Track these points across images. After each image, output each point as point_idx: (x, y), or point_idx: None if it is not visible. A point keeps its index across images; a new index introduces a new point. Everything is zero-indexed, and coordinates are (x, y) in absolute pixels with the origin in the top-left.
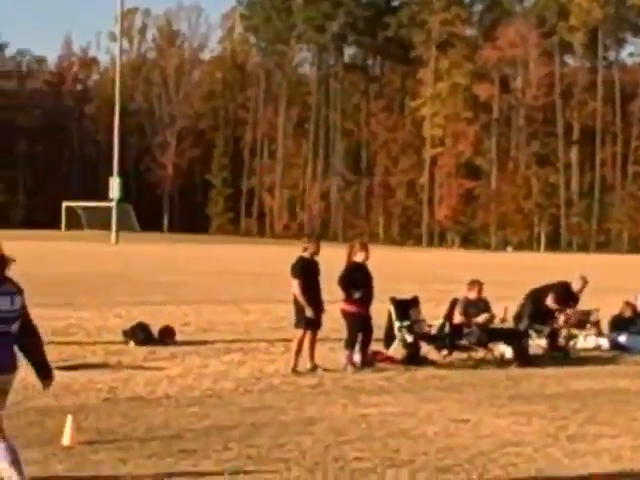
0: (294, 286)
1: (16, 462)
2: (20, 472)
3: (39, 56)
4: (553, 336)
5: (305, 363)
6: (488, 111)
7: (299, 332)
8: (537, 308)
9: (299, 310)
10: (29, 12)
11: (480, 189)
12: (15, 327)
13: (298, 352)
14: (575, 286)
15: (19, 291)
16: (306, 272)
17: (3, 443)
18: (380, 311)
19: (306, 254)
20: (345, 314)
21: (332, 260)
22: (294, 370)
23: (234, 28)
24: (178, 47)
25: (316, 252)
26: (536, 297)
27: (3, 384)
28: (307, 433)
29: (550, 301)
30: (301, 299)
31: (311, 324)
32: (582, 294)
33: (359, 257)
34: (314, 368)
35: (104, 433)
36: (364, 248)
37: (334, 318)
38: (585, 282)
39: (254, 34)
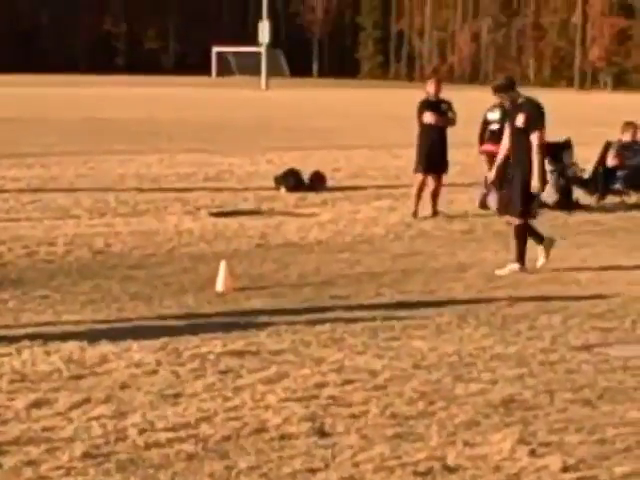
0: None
1: None
2: None
3: None
4: None
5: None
6: None
7: (418, 177)
8: None
9: (419, 154)
10: None
11: (635, 28)
12: None
13: (418, 198)
14: None
15: None
16: (430, 111)
17: None
18: None
19: (429, 95)
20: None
21: (482, 103)
22: (415, 216)
23: None
24: None
25: (436, 93)
26: None
27: None
28: (458, 279)
29: None
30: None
31: (431, 168)
32: None
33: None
34: (435, 214)
35: (257, 279)
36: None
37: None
38: None
39: None
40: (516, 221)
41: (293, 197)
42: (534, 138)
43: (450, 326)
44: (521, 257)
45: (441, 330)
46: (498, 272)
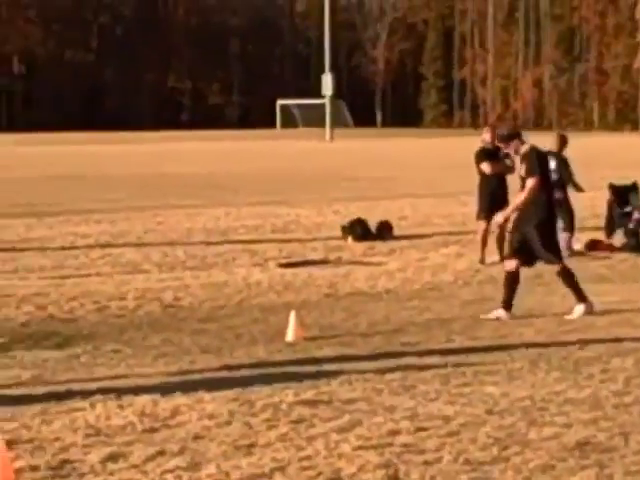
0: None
1: None
2: None
3: None
4: None
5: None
6: None
7: (481, 224)
8: None
9: (480, 201)
10: None
11: None
12: None
13: (484, 244)
14: None
15: None
16: (488, 160)
17: None
18: (600, 199)
19: (485, 143)
20: None
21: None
22: (482, 262)
23: None
24: None
25: (492, 140)
26: None
27: None
28: (528, 324)
29: None
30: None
31: (494, 215)
32: None
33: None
34: (502, 260)
35: (327, 328)
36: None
37: None
38: None
39: None
40: (556, 267)
41: (361, 246)
42: (528, 182)
43: (522, 371)
44: (581, 296)
45: (513, 375)
46: (568, 317)
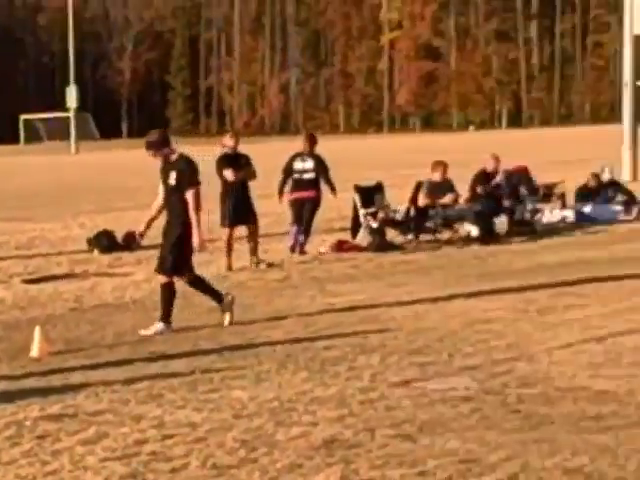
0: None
1: None
2: None
3: None
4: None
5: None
6: None
7: (226, 231)
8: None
9: (223, 208)
10: None
11: (440, 70)
12: None
13: (229, 251)
14: (488, 167)
15: None
16: (230, 167)
17: None
18: (346, 200)
19: (227, 149)
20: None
21: (290, 153)
22: (229, 268)
23: None
24: None
25: (235, 147)
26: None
27: None
28: (277, 327)
29: (470, 188)
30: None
31: (237, 221)
32: (499, 172)
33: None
34: (258, 263)
35: (73, 342)
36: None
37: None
38: (496, 160)
39: None
40: (163, 279)
41: (107, 258)
42: (189, 196)
43: (270, 373)
44: (166, 316)
45: (261, 377)
46: (143, 332)
